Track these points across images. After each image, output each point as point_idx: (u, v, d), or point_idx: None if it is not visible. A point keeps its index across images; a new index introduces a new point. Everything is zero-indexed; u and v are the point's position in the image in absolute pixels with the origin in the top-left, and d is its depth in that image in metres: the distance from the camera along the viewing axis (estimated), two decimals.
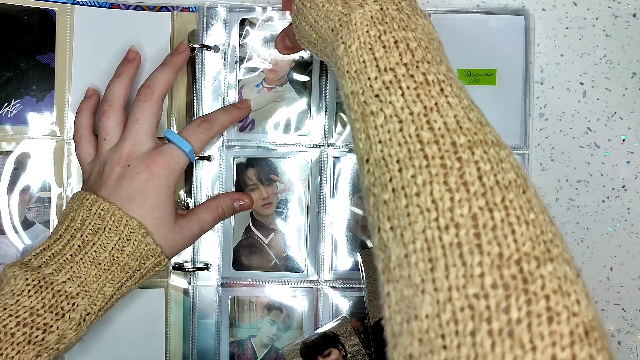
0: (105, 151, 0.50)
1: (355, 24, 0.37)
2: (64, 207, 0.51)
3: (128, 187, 0.47)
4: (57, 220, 0.56)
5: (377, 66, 0.35)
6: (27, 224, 0.56)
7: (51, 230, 0.56)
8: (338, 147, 0.57)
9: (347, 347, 0.55)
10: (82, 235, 0.46)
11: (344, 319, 0.55)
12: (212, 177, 0.57)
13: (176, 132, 0.51)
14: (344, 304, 0.56)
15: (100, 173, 0.49)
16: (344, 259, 0.57)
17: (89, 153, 0.52)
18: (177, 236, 0.50)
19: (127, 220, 0.46)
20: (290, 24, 0.51)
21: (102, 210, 0.46)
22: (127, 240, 0.46)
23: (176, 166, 0.49)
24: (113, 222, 0.46)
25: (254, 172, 0.57)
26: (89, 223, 0.46)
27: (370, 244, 0.56)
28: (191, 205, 0.57)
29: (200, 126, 0.52)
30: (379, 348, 0.54)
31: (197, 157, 0.56)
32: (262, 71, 0.57)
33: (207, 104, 0.57)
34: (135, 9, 0.57)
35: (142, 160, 0.48)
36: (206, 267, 0.57)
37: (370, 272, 0.54)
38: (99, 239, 0.46)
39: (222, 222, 0.57)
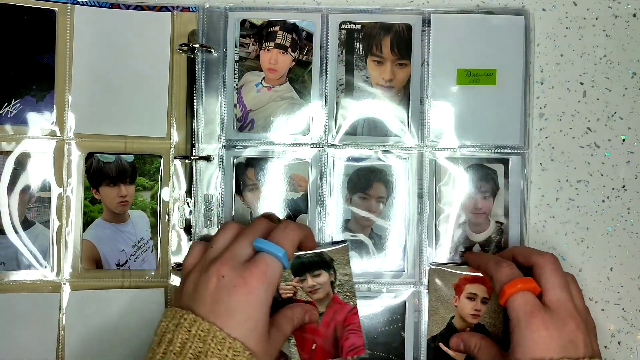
0: (206, 260, 0.47)
1: None
2: (160, 325, 0.45)
3: (226, 302, 0.44)
4: (57, 221, 0.56)
5: None
6: (27, 224, 0.56)
7: (51, 228, 0.56)
8: (337, 146, 0.57)
9: (337, 274, 0.54)
10: None
11: (345, 247, 0.55)
12: (212, 177, 0.57)
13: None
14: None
15: (196, 284, 0.46)
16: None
17: (193, 260, 0.49)
18: (272, 350, 0.47)
19: (230, 342, 0.43)
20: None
21: (202, 331, 0.43)
22: None
23: (273, 277, 0.46)
24: (215, 344, 0.42)
25: (254, 172, 0.57)
26: (189, 346, 0.42)
27: (435, 259, 0.57)
28: (191, 205, 0.57)
29: (287, 228, 0.49)
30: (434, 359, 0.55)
31: (197, 157, 0.56)
32: (261, 71, 0.57)
33: (207, 104, 0.57)
34: (135, 9, 0.57)
35: (237, 272, 0.45)
36: None
37: (435, 287, 0.55)
38: None
39: (221, 222, 0.57)
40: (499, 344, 0.51)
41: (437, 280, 0.55)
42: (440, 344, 0.55)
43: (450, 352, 0.54)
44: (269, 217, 0.54)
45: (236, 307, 0.44)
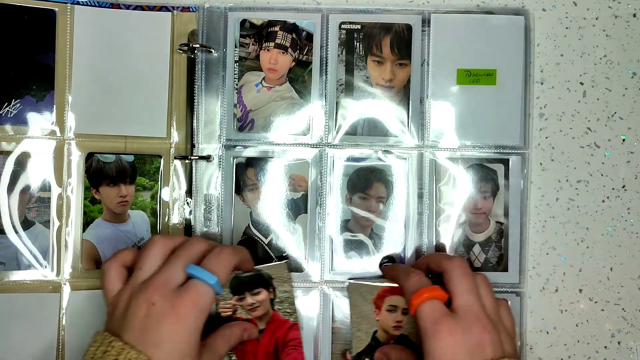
0: (135, 283, 0.46)
1: None
2: (88, 350, 0.44)
3: (155, 331, 0.43)
4: (57, 221, 0.56)
5: None
6: (27, 224, 0.56)
7: (51, 228, 0.56)
8: (337, 146, 0.57)
9: (277, 291, 0.55)
10: None
11: (284, 264, 0.55)
12: (212, 177, 0.57)
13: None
14: (344, 304, 0.56)
15: (125, 310, 0.45)
16: (343, 259, 0.57)
17: (115, 285, 0.48)
18: None
19: None
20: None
21: None
22: None
23: (204, 305, 0.45)
24: None
25: (254, 172, 0.57)
26: None
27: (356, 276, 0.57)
28: (191, 205, 0.57)
29: (222, 253, 0.48)
30: None
31: (197, 157, 0.56)
32: (261, 71, 0.57)
33: (207, 104, 0.57)
34: (135, 9, 0.57)
35: (168, 300, 0.44)
36: None
37: (356, 303, 0.55)
38: None
39: (221, 222, 0.57)
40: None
41: (356, 296, 0.55)
42: (367, 359, 0.55)
43: None
44: (206, 236, 0.53)
45: (165, 337, 0.43)
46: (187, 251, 0.48)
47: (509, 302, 0.57)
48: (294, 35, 0.57)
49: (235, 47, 0.57)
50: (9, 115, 0.56)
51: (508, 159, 0.57)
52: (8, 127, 0.56)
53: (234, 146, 0.57)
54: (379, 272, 0.57)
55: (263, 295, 0.54)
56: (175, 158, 0.57)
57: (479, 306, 0.46)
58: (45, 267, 0.56)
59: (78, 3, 0.56)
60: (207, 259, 0.48)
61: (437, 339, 0.43)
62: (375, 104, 0.57)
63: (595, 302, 0.58)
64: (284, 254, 0.56)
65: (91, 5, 0.57)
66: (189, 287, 0.46)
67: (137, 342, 0.43)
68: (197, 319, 0.45)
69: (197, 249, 0.49)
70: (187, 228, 0.57)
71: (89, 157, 0.56)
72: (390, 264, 0.56)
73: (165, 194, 0.57)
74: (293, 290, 0.55)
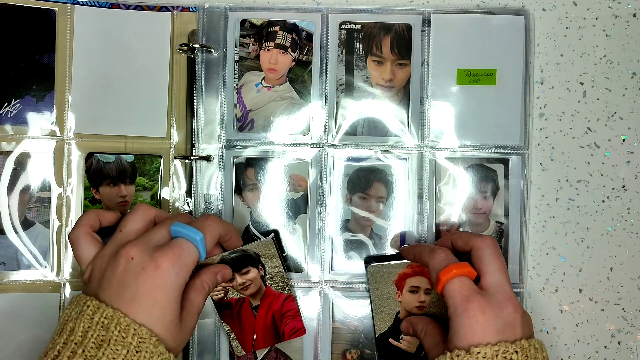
0: (114, 244, 0.45)
1: None
2: (64, 313, 0.43)
3: (132, 286, 0.41)
4: (57, 220, 0.56)
5: None
6: (27, 224, 0.56)
7: (51, 228, 0.56)
8: (337, 146, 0.57)
9: (267, 268, 0.54)
10: (84, 351, 0.39)
11: (269, 240, 0.54)
12: (212, 177, 0.57)
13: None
14: (344, 304, 0.56)
15: (103, 269, 0.44)
16: (343, 259, 0.57)
17: (88, 252, 0.46)
18: (185, 334, 0.45)
19: (135, 329, 0.40)
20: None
21: (105, 318, 0.40)
22: (137, 352, 0.40)
23: (186, 260, 0.44)
24: (119, 332, 0.40)
25: (254, 172, 0.57)
26: (91, 335, 0.40)
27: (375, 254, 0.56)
28: (191, 205, 0.57)
29: (208, 219, 0.48)
30: (387, 354, 0.54)
31: (197, 157, 0.56)
32: (261, 71, 0.57)
33: (207, 104, 0.57)
34: (135, 9, 0.57)
35: (148, 254, 0.43)
36: None
37: (376, 286, 0.55)
38: (103, 354, 0.39)
39: None
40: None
41: (377, 279, 0.55)
42: (390, 340, 0.54)
43: (401, 345, 0.53)
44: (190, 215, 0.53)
45: (143, 291, 0.41)
46: (172, 219, 0.47)
47: None
48: (294, 35, 0.57)
49: (235, 47, 0.57)
50: (9, 115, 0.56)
51: (508, 159, 0.57)
52: (8, 127, 0.56)
53: (234, 146, 0.57)
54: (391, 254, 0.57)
55: (253, 273, 0.54)
56: (175, 158, 0.57)
57: (509, 286, 0.45)
58: (45, 267, 0.56)
59: (78, 3, 0.56)
60: (194, 221, 0.48)
61: (467, 316, 0.42)
62: (375, 104, 0.57)
63: (595, 302, 0.58)
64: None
65: (91, 5, 0.57)
66: (172, 242, 0.44)
67: (113, 300, 0.41)
68: (178, 274, 0.43)
69: (183, 218, 0.49)
70: None
71: (89, 157, 0.56)
72: (409, 244, 0.56)
73: (165, 194, 0.57)
74: (283, 264, 0.55)
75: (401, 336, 0.54)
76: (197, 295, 0.48)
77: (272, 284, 0.55)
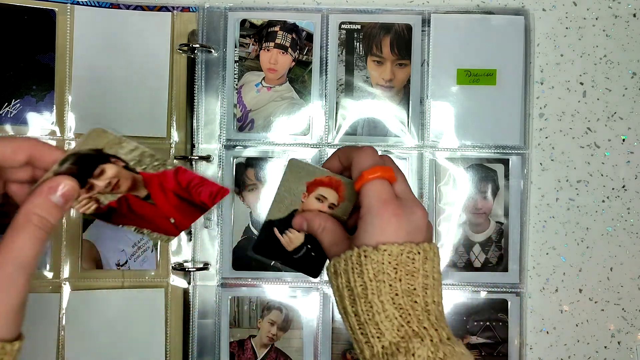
0: None
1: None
2: None
3: None
4: None
5: None
6: None
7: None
8: (337, 146, 0.57)
9: (122, 157, 0.44)
10: None
11: (96, 130, 0.43)
12: (212, 177, 0.57)
13: None
14: None
15: None
16: None
17: None
18: (18, 308, 0.36)
19: None
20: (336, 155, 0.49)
21: None
22: None
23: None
24: None
25: (254, 172, 0.57)
26: None
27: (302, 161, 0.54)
28: None
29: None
30: (265, 240, 0.51)
31: (197, 157, 0.56)
32: (261, 71, 0.57)
33: (207, 104, 0.57)
34: (135, 9, 0.57)
35: None
36: (206, 267, 0.57)
37: (289, 178, 0.53)
38: None
39: (221, 222, 0.57)
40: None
41: (293, 173, 0.52)
42: (275, 229, 0.53)
43: (282, 239, 0.53)
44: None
45: None
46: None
47: (509, 302, 0.57)
48: (294, 35, 0.57)
49: (235, 47, 0.57)
50: (9, 115, 0.56)
51: (508, 159, 0.57)
52: (8, 127, 0.56)
53: (234, 146, 0.57)
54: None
55: (110, 170, 0.44)
56: (175, 158, 0.57)
57: (414, 195, 0.46)
58: (45, 267, 0.56)
59: (78, 3, 0.56)
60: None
61: (381, 217, 0.43)
62: (375, 104, 0.57)
63: (595, 302, 0.58)
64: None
65: (91, 5, 0.57)
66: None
67: None
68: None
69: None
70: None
71: None
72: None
73: None
74: (138, 143, 0.44)
75: (285, 231, 0.53)
76: (27, 242, 0.36)
77: (145, 168, 0.45)
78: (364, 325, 0.42)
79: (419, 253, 0.43)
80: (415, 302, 0.42)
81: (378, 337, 0.41)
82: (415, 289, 0.42)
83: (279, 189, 0.52)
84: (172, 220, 0.47)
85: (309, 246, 0.53)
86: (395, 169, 0.47)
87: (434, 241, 0.47)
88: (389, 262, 0.42)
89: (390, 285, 0.42)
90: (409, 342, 0.40)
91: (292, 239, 0.53)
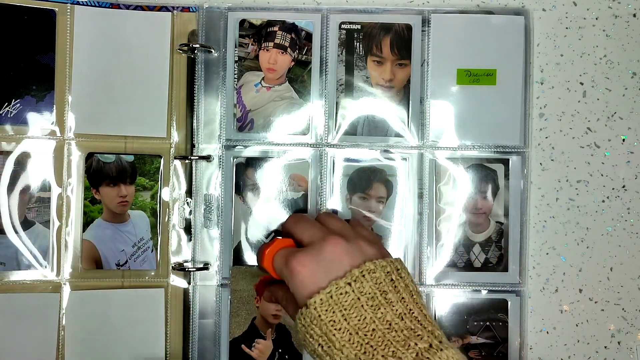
0: None
1: None
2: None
3: None
4: (57, 220, 0.56)
5: None
6: (27, 224, 0.56)
7: (51, 228, 0.56)
8: (337, 146, 0.57)
9: None
10: None
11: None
12: (212, 177, 0.57)
13: None
14: None
15: None
16: None
17: None
18: None
19: None
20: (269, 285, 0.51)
21: None
22: None
23: None
24: None
25: (254, 172, 0.57)
26: None
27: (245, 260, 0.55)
28: (191, 205, 0.57)
29: None
30: None
31: (197, 157, 0.56)
32: (261, 70, 0.57)
33: (207, 104, 0.57)
34: (135, 9, 0.57)
35: None
36: (206, 267, 0.57)
37: (237, 287, 0.55)
38: None
39: (221, 222, 0.57)
40: None
41: (239, 281, 0.55)
42: (243, 346, 0.54)
43: (253, 353, 0.54)
44: None
45: None
46: None
47: (509, 302, 0.57)
48: (293, 35, 0.57)
49: (235, 47, 0.57)
50: (9, 115, 0.56)
51: (508, 159, 0.57)
52: (8, 127, 0.56)
53: (234, 146, 0.57)
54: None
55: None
56: (175, 158, 0.57)
57: (322, 232, 0.45)
58: (45, 267, 0.56)
59: (78, 3, 0.56)
60: None
61: (293, 275, 0.42)
62: (375, 104, 0.57)
63: (595, 302, 0.58)
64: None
65: (91, 5, 0.57)
66: None
67: None
68: None
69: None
70: (187, 228, 0.57)
71: (89, 157, 0.56)
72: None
73: (165, 194, 0.57)
74: None
75: (254, 343, 0.54)
76: None
77: None
78: None
79: (349, 284, 0.40)
80: (373, 330, 0.39)
81: None
82: (364, 317, 0.40)
83: (231, 302, 0.53)
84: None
85: (280, 350, 0.53)
86: (295, 230, 0.46)
87: (383, 250, 0.45)
88: (325, 310, 0.40)
89: (339, 329, 0.39)
90: None
91: (262, 350, 0.53)
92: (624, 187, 0.58)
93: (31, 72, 0.56)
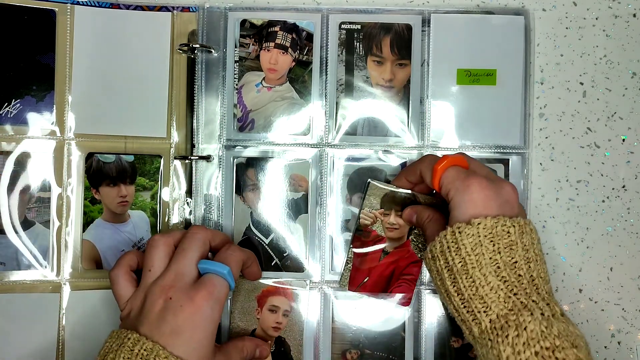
0: (147, 283, 0.47)
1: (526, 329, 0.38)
2: (104, 345, 0.45)
3: (172, 322, 0.44)
4: (57, 221, 0.56)
5: None
6: (27, 224, 0.56)
7: (51, 228, 0.56)
8: (337, 146, 0.57)
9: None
10: None
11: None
12: (212, 177, 0.57)
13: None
14: (344, 304, 0.56)
15: (141, 308, 0.46)
16: (343, 259, 0.57)
17: (126, 290, 0.48)
18: None
19: None
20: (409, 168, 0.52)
21: (145, 350, 0.42)
22: None
23: (219, 295, 0.46)
24: None
25: (254, 172, 0.57)
26: None
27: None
28: (191, 205, 0.57)
29: (229, 249, 0.49)
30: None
31: (197, 157, 0.56)
32: (261, 71, 0.57)
33: (207, 104, 0.57)
34: (135, 9, 0.57)
35: (184, 293, 0.45)
36: None
37: (238, 299, 0.55)
38: None
39: (221, 222, 0.57)
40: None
41: (240, 292, 0.56)
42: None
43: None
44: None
45: (182, 326, 0.44)
46: (190, 242, 0.48)
47: None
48: (294, 35, 0.57)
49: (235, 47, 0.57)
50: (9, 115, 0.56)
51: (508, 159, 0.57)
52: (8, 127, 0.56)
53: (234, 146, 0.57)
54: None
55: (398, 219, 0.54)
56: (175, 158, 0.57)
57: (497, 176, 0.47)
58: (45, 267, 0.56)
59: (78, 3, 0.56)
60: (218, 254, 0.49)
61: (469, 192, 0.43)
62: (375, 104, 0.57)
63: (595, 302, 0.58)
64: (285, 254, 0.56)
65: (91, 5, 0.57)
66: (205, 280, 0.46)
67: (153, 334, 0.44)
68: (213, 309, 0.45)
69: (199, 238, 0.49)
70: (187, 228, 0.57)
71: (89, 157, 0.56)
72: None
73: (165, 194, 0.57)
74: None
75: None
76: (235, 352, 0.51)
77: (413, 241, 0.54)
78: (469, 302, 0.41)
79: (514, 226, 0.41)
80: (520, 275, 0.40)
81: (485, 311, 0.40)
82: (516, 262, 0.41)
83: (232, 313, 0.55)
84: (366, 279, 0.55)
85: None
86: (468, 158, 0.47)
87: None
88: (485, 235, 0.41)
89: (490, 257, 0.41)
90: (519, 315, 0.38)
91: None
92: (624, 187, 0.58)
93: (31, 72, 0.56)
